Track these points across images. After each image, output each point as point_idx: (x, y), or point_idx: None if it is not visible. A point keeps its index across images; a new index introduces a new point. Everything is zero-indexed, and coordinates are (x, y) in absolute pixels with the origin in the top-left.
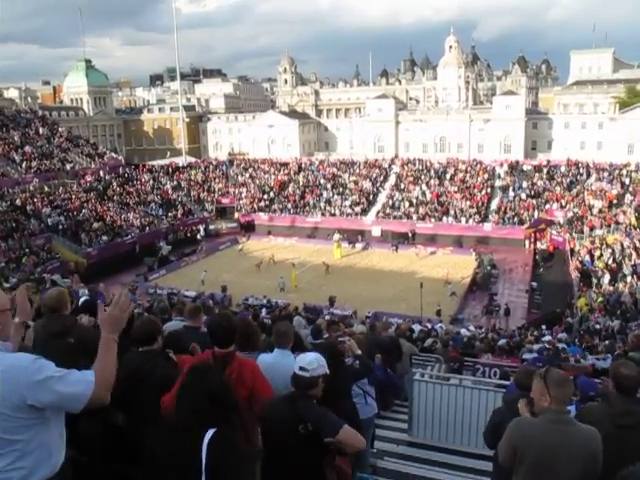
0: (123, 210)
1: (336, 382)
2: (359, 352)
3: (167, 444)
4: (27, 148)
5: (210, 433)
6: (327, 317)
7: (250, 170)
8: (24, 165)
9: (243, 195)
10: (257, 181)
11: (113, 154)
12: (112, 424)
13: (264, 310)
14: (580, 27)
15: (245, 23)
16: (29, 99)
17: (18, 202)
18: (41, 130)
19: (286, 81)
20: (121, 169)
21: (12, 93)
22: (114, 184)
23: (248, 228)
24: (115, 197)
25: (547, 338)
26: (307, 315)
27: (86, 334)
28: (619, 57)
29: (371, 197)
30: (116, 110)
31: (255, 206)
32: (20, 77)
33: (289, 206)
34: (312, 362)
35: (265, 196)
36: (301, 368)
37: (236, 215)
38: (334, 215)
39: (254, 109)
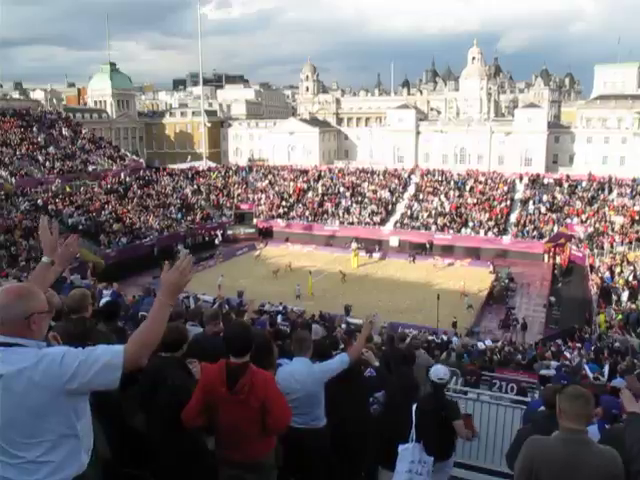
0: (143, 212)
1: (353, 394)
2: (377, 364)
3: None
4: (51, 149)
5: None
6: (343, 326)
7: (270, 176)
8: (47, 165)
9: (262, 201)
10: (276, 187)
11: (134, 157)
12: (132, 427)
13: (280, 317)
14: (604, 41)
15: (269, 30)
16: (54, 100)
17: (40, 202)
18: (65, 131)
19: (307, 89)
20: (142, 172)
21: (38, 94)
22: (134, 186)
23: (266, 234)
24: (135, 199)
25: (568, 354)
26: (323, 323)
27: (104, 339)
28: None
29: (390, 207)
30: (139, 113)
31: (274, 212)
32: (46, 79)
33: (307, 213)
34: (446, 374)
35: (284, 203)
36: (440, 378)
37: (254, 221)
38: (352, 224)
39: (275, 116)
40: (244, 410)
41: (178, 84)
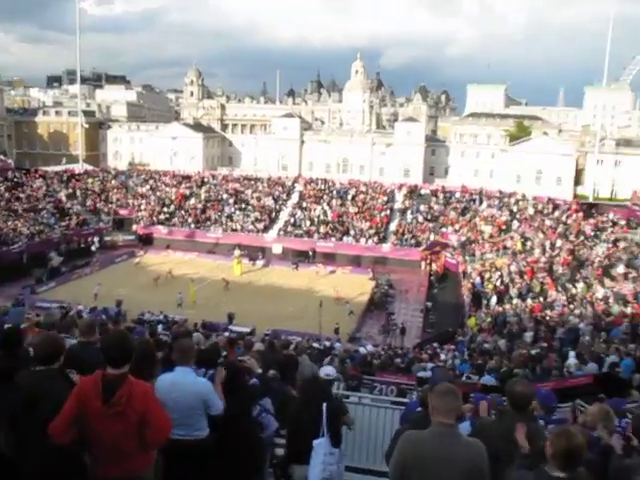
0: (10, 217)
1: (237, 401)
2: (259, 371)
3: None
4: None
5: None
6: (226, 334)
7: (151, 182)
8: None
9: (142, 207)
10: (158, 193)
11: (1, 156)
12: None
13: (160, 326)
14: (477, 63)
15: (154, 31)
16: None
17: None
18: None
19: (192, 93)
20: (10, 173)
21: None
22: (1, 188)
23: (146, 241)
24: (2, 203)
25: (442, 356)
26: (205, 332)
27: None
28: (510, 94)
29: (273, 214)
30: (7, 109)
31: (155, 219)
32: None
33: (190, 220)
34: (332, 371)
35: (165, 209)
36: (327, 374)
37: (134, 227)
38: (235, 231)
39: (158, 119)
40: (121, 424)
41: (53, 81)
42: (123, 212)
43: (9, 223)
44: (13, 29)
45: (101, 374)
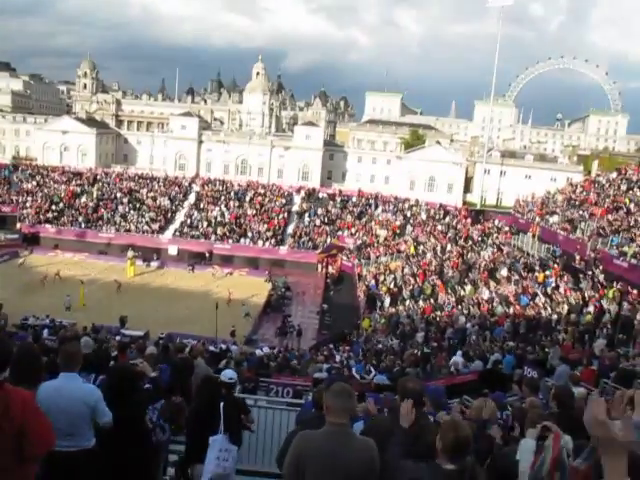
0: None
1: (130, 406)
2: (153, 374)
3: None
4: None
5: None
6: (117, 338)
7: (38, 177)
8: None
9: (28, 204)
10: (45, 190)
11: None
12: None
13: (46, 331)
14: (375, 71)
15: (43, 17)
16: None
17: None
18: None
19: (85, 86)
20: None
21: None
22: None
23: (32, 240)
24: None
25: (338, 357)
26: (94, 336)
27: None
28: (406, 103)
29: (169, 215)
30: None
31: (41, 217)
32: None
33: (80, 219)
34: (234, 374)
35: (54, 207)
36: (230, 378)
37: (18, 225)
38: (129, 231)
39: (47, 112)
40: None
41: None
42: (5, 209)
43: None
44: None
45: None
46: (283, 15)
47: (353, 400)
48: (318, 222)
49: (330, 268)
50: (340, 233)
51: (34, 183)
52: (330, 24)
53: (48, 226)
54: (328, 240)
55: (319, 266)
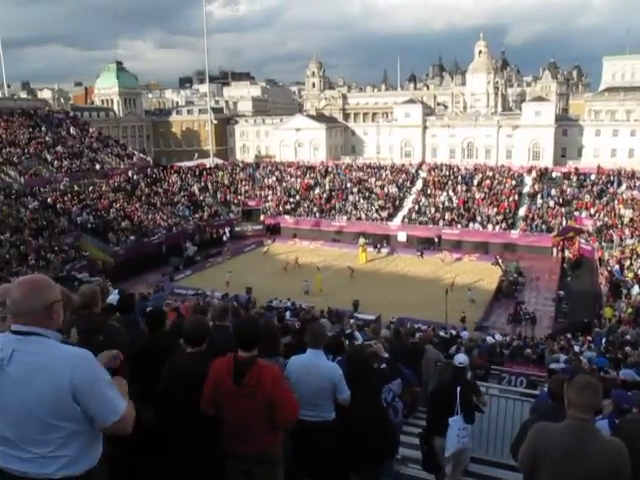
0: (150, 210)
1: (366, 385)
2: (386, 355)
3: None
4: (59, 148)
5: None
6: (352, 321)
7: (276, 173)
8: (55, 164)
9: (269, 198)
10: (283, 184)
11: (142, 155)
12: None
13: (288, 313)
14: (613, 33)
15: (275, 27)
16: (62, 100)
17: (49, 201)
18: (72, 130)
19: (314, 85)
20: (149, 170)
21: (45, 94)
22: (142, 184)
23: (273, 231)
24: (143, 197)
25: (577, 348)
26: (331, 319)
27: (115, 334)
28: None
29: (397, 202)
30: (145, 111)
31: (281, 209)
32: (55, 78)
33: (315, 209)
34: (465, 359)
35: (291, 199)
36: (460, 363)
37: (262, 218)
38: (360, 219)
39: (282, 112)
40: (251, 404)
41: (185, 82)
42: (251, 203)
43: (149, 216)
44: (148, 37)
45: (233, 356)
46: None
47: (599, 396)
48: (552, 203)
49: (567, 252)
50: (577, 214)
51: (274, 178)
52: None
53: (287, 217)
54: (563, 222)
55: (554, 250)
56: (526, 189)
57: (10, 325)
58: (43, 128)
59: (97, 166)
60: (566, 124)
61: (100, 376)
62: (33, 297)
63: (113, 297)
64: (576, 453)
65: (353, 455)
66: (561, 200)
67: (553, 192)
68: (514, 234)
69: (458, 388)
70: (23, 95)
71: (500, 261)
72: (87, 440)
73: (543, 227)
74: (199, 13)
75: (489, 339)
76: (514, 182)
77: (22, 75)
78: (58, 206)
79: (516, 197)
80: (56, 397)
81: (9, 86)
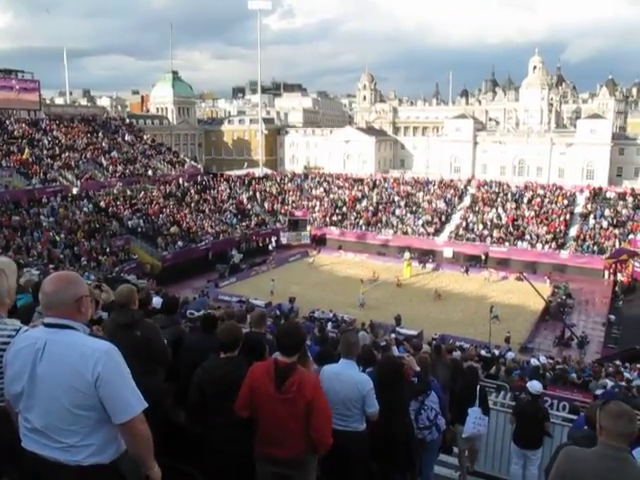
0: (199, 217)
1: (395, 397)
2: (418, 369)
3: None
4: (114, 153)
5: None
6: (392, 335)
7: (324, 184)
8: (110, 169)
9: (316, 209)
10: (331, 195)
11: (193, 162)
12: (174, 422)
13: (330, 324)
14: None
15: (329, 40)
16: (119, 107)
17: (102, 204)
18: (127, 137)
19: (365, 97)
20: (199, 177)
21: (104, 101)
22: (192, 191)
23: (319, 242)
24: (192, 204)
25: (627, 375)
26: (373, 332)
27: (151, 330)
28: None
29: (444, 217)
30: (198, 120)
31: (327, 220)
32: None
33: (361, 222)
34: (540, 387)
35: (338, 211)
36: (536, 391)
37: (308, 228)
38: (406, 233)
39: (332, 124)
40: (290, 409)
41: (237, 92)
42: (298, 213)
43: (198, 223)
44: (205, 48)
45: (274, 361)
46: (563, 2)
47: (633, 424)
48: (605, 224)
49: (619, 275)
50: (632, 236)
51: (321, 189)
52: (619, 2)
53: (333, 228)
54: (617, 244)
55: (606, 273)
56: (578, 209)
57: (43, 319)
58: (100, 134)
59: (149, 172)
60: (623, 143)
61: (121, 371)
62: (64, 291)
63: (157, 301)
64: None
65: (378, 466)
66: (615, 221)
67: (607, 212)
68: (564, 254)
69: (478, 387)
70: (83, 102)
71: (527, 278)
72: (112, 429)
73: (595, 248)
74: (256, 25)
75: (533, 361)
76: (566, 201)
77: (84, 83)
78: (110, 210)
79: (567, 216)
80: (80, 387)
81: (71, 93)
